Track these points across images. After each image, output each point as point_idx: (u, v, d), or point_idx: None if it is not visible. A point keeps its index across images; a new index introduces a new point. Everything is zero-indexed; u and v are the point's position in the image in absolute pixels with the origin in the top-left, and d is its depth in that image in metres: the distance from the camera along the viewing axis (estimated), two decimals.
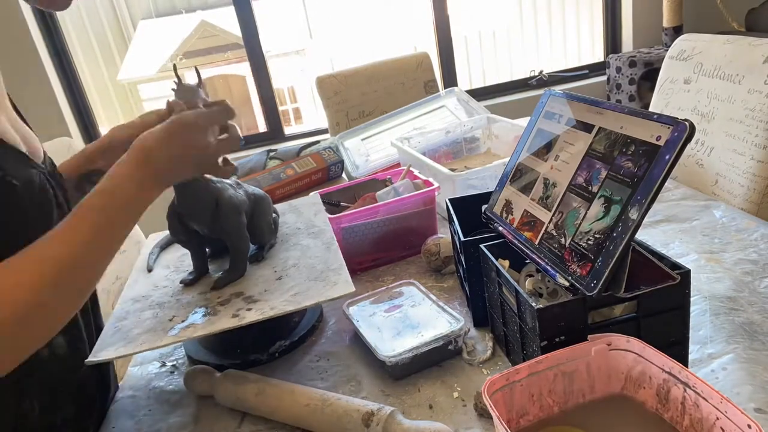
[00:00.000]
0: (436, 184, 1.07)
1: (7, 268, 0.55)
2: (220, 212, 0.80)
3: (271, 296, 0.76)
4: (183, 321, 0.74)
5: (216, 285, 0.81)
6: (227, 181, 0.84)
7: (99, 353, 0.70)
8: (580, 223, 0.62)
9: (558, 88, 2.44)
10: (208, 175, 0.80)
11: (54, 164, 0.77)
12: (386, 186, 1.16)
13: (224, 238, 0.83)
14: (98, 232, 0.60)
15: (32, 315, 0.54)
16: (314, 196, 1.09)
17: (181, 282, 0.86)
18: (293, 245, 0.90)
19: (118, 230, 0.62)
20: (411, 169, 1.17)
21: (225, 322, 0.71)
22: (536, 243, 0.68)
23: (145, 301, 0.83)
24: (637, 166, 0.58)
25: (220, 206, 0.80)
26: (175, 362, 0.88)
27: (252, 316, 0.71)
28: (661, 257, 0.63)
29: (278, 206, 1.07)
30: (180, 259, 0.94)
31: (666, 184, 0.56)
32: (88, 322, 0.80)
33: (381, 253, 1.06)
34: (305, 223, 0.97)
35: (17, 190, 0.63)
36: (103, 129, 2.68)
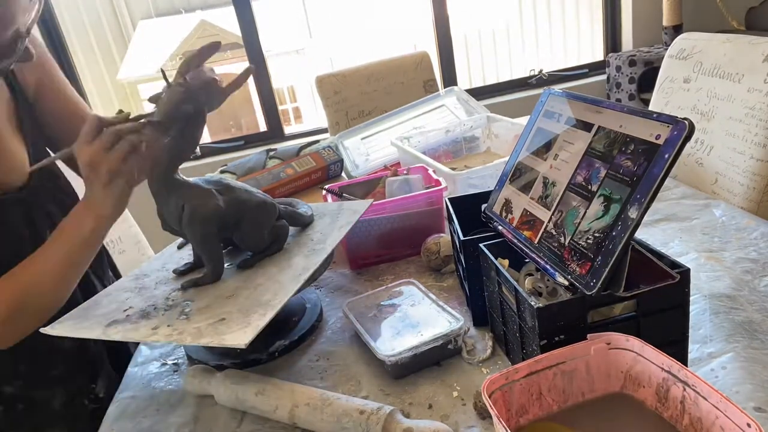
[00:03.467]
0: (444, 184, 1.06)
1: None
2: (183, 220, 0.78)
3: (199, 317, 0.72)
4: (128, 316, 0.75)
5: (183, 286, 0.81)
6: (206, 186, 0.81)
7: (56, 325, 0.73)
8: (580, 222, 0.62)
9: (558, 87, 2.44)
10: (183, 177, 0.79)
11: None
12: (397, 175, 1.16)
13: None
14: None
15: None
16: (363, 202, 0.98)
17: (173, 271, 0.86)
18: (282, 260, 0.84)
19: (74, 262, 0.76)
20: (426, 169, 1.16)
21: (140, 333, 0.71)
22: (536, 242, 0.68)
23: (140, 280, 0.85)
24: (637, 164, 0.58)
25: (184, 214, 0.78)
26: (175, 362, 0.88)
27: (161, 334, 0.70)
28: (661, 256, 0.63)
29: (329, 205, 1.00)
30: None
31: (666, 182, 0.56)
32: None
33: (385, 250, 1.06)
34: (323, 235, 0.90)
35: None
36: None
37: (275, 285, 0.77)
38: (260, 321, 0.67)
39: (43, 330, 0.74)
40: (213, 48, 0.76)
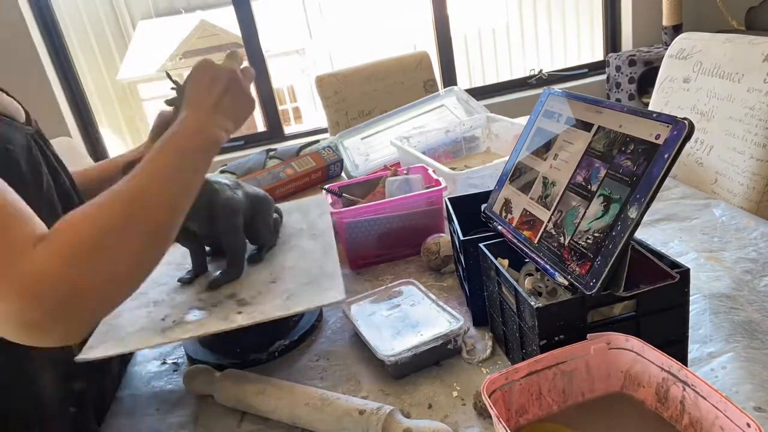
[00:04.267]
0: (444, 184, 1.06)
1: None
2: (215, 214, 0.80)
3: (263, 299, 0.75)
4: (174, 321, 0.74)
5: (211, 286, 0.81)
6: (225, 181, 0.84)
7: (89, 351, 0.70)
8: (580, 222, 0.62)
9: (557, 87, 2.44)
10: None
11: (38, 125, 0.79)
12: (397, 175, 1.16)
13: (221, 239, 0.83)
14: (167, 172, 0.61)
15: (97, 251, 0.51)
16: (321, 196, 1.08)
17: (178, 280, 0.86)
18: (293, 247, 0.89)
19: (186, 172, 0.63)
20: (425, 167, 1.16)
21: (214, 324, 0.71)
22: (535, 242, 0.68)
23: (142, 298, 0.83)
24: (637, 164, 0.58)
25: (215, 208, 0.80)
26: (175, 361, 0.88)
27: (241, 319, 0.71)
28: (661, 256, 0.63)
29: (285, 204, 1.06)
30: (183, 256, 0.94)
31: (665, 182, 0.56)
32: None
33: (385, 250, 1.06)
34: (308, 224, 0.96)
35: (14, 155, 0.67)
36: (103, 129, 2.68)
37: (312, 263, 0.83)
38: (336, 282, 0.74)
39: (78, 358, 0.67)
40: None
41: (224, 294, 0.79)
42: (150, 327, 0.74)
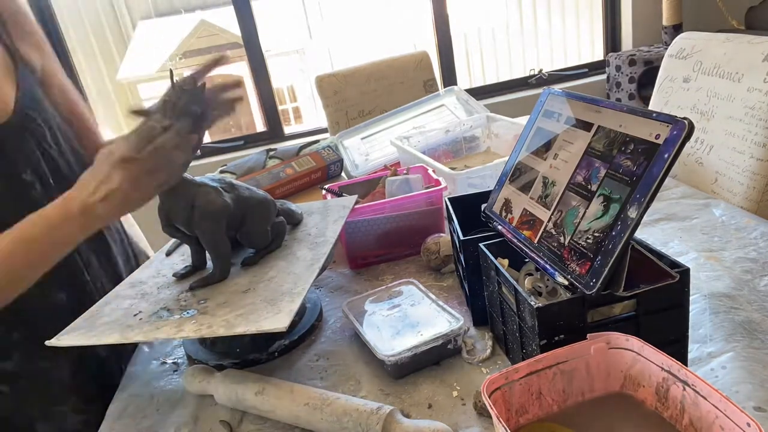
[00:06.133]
0: (444, 184, 1.06)
1: None
2: (192, 217, 0.79)
3: (221, 311, 0.73)
4: (141, 319, 0.75)
5: (191, 286, 0.81)
6: (213, 183, 0.82)
7: (62, 337, 0.72)
8: (579, 222, 0.62)
9: (557, 87, 2.44)
10: (190, 176, 0.80)
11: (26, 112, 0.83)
12: (397, 175, 1.16)
13: (200, 242, 0.83)
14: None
15: None
16: (351, 198, 1.02)
17: (173, 275, 0.86)
18: (288, 254, 0.86)
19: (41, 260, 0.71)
20: (426, 168, 1.16)
21: (164, 331, 0.71)
22: (535, 242, 0.68)
23: (137, 288, 0.84)
24: (636, 164, 0.58)
25: (193, 211, 0.78)
26: (175, 361, 0.88)
27: (188, 330, 0.70)
28: (661, 256, 0.63)
29: (310, 204, 1.03)
30: None
31: (665, 182, 0.56)
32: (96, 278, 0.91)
33: (384, 249, 1.06)
34: (319, 230, 0.92)
35: None
36: (103, 129, 2.67)
37: (290, 276, 0.79)
38: (292, 305, 0.69)
39: (48, 343, 0.70)
40: (219, 62, 0.76)
41: (199, 297, 0.78)
42: (119, 321, 0.75)
